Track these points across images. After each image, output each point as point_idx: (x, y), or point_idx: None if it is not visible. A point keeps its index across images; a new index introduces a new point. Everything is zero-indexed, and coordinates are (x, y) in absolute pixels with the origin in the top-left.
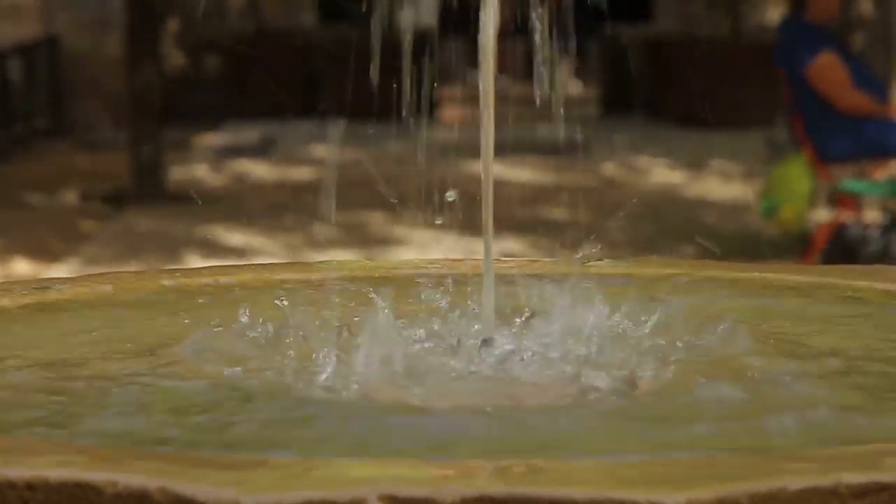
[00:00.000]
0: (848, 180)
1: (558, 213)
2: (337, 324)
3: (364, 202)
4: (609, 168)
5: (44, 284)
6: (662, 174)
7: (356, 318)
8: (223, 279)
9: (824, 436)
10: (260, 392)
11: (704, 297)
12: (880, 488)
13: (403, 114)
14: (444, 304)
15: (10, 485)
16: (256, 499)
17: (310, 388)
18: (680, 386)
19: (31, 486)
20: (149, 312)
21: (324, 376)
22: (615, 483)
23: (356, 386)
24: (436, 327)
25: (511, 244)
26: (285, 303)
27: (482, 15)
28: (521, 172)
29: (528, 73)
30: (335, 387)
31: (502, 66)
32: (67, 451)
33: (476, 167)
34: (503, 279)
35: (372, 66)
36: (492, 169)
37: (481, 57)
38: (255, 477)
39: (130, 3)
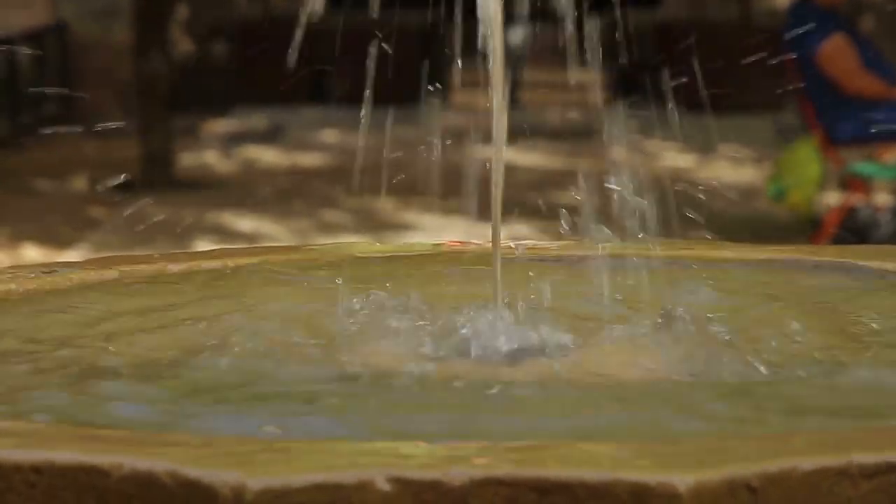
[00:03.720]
0: (858, 163)
1: (568, 197)
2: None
3: (375, 188)
4: (617, 152)
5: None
6: (672, 158)
7: None
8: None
9: None
10: None
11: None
12: (891, 468)
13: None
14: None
15: (16, 468)
16: (263, 481)
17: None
18: None
19: (36, 470)
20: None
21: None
22: (624, 464)
23: None
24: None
25: (522, 228)
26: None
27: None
28: (532, 157)
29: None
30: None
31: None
32: (73, 434)
33: (488, 152)
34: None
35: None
36: (503, 154)
37: (491, 42)
38: (261, 459)
39: None
